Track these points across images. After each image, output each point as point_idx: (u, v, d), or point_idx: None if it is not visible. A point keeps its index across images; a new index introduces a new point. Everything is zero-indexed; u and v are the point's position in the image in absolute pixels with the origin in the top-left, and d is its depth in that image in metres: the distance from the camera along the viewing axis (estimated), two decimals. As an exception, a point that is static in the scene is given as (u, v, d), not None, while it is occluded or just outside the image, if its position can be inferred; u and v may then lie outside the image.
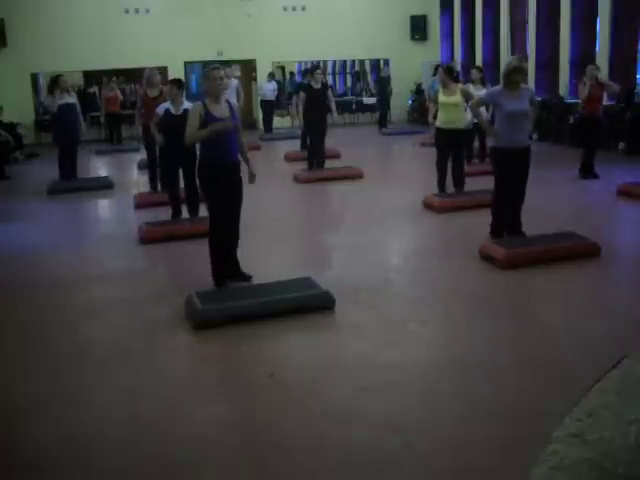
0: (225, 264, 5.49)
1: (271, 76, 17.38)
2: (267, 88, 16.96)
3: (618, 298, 5.26)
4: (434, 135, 8.80)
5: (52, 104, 10.59)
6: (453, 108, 8.39)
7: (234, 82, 15.06)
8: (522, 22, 15.86)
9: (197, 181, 5.90)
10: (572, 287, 5.36)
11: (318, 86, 10.74)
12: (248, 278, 5.57)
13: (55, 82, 10.64)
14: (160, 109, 7.60)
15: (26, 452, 3.33)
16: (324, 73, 21.64)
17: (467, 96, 8.31)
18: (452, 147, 8.55)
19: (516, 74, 6.22)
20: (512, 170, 6.33)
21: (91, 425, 3.56)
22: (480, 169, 9.83)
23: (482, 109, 7.24)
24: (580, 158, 9.80)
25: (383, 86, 17.08)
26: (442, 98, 8.40)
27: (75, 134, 10.75)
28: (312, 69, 11.29)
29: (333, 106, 11.16)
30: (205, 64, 17.19)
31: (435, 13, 19.31)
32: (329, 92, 11.07)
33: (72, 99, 10.65)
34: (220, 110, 5.31)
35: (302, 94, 10.85)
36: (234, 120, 5.35)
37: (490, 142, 6.98)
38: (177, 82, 7.69)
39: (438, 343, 4.49)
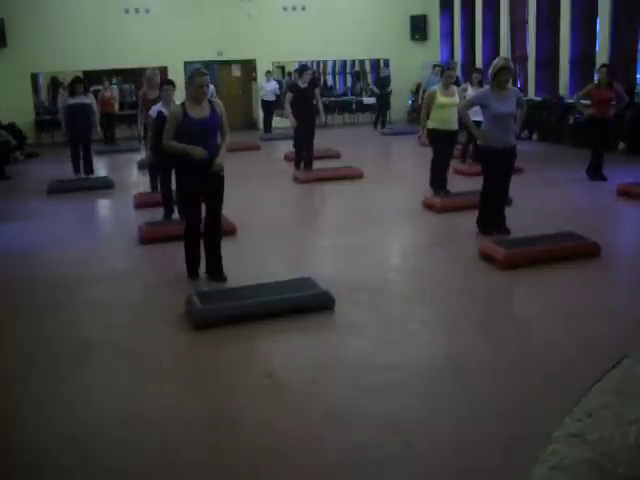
0: (196, 257, 5.63)
1: (269, 74, 17.29)
2: (267, 88, 16.90)
3: (618, 298, 5.26)
4: (428, 136, 8.68)
5: (63, 104, 10.97)
6: (452, 109, 8.39)
7: (210, 87, 15.05)
8: (522, 22, 15.85)
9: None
10: (572, 287, 5.37)
11: (305, 85, 10.58)
12: (222, 280, 5.62)
13: (73, 83, 10.88)
14: (152, 112, 7.59)
15: (26, 452, 3.33)
16: (324, 73, 21.61)
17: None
18: (447, 148, 8.57)
19: (503, 74, 6.37)
20: (499, 169, 6.59)
21: (91, 425, 3.55)
22: (479, 169, 9.80)
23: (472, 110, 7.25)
24: (587, 160, 9.65)
25: (382, 86, 17.08)
26: (441, 99, 8.38)
27: (87, 133, 10.96)
28: (301, 69, 10.99)
29: (321, 107, 11.02)
30: (205, 64, 17.20)
31: (435, 13, 19.30)
32: (317, 92, 10.89)
33: (87, 99, 10.89)
34: (200, 111, 5.34)
35: (289, 94, 10.68)
36: (214, 120, 5.37)
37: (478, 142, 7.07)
38: (172, 83, 7.78)
39: (438, 343, 4.49)
